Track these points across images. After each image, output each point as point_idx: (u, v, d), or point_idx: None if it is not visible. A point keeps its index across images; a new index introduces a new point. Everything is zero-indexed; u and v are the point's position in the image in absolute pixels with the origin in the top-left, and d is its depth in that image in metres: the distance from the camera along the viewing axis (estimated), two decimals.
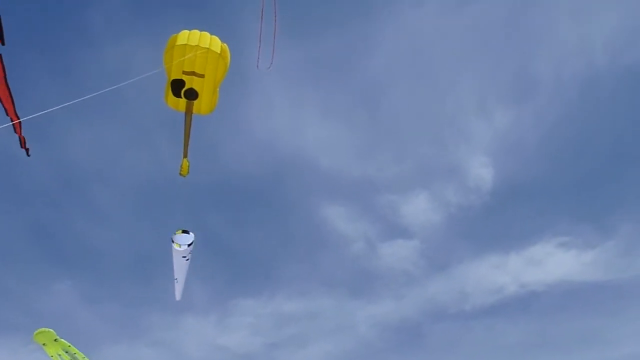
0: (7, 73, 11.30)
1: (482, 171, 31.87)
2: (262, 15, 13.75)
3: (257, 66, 14.49)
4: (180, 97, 14.13)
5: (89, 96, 10.97)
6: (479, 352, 30.63)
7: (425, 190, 32.08)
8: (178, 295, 15.12)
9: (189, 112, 14.30)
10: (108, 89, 11.62)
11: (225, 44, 13.83)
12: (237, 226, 29.92)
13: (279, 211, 32.40)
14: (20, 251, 29.69)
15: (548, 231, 31.73)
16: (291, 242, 32.58)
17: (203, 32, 13.87)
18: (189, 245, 14.14)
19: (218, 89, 14.25)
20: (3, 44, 11.08)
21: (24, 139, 12.14)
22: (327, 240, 32.49)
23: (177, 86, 13.95)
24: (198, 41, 13.75)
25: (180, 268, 14.45)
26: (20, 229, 30.10)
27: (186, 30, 13.84)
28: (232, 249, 31.60)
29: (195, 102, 14.20)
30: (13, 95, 11.51)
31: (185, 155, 14.13)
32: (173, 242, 14.03)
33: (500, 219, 32.68)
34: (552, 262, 31.43)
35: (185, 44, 13.64)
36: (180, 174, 14.26)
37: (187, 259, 14.24)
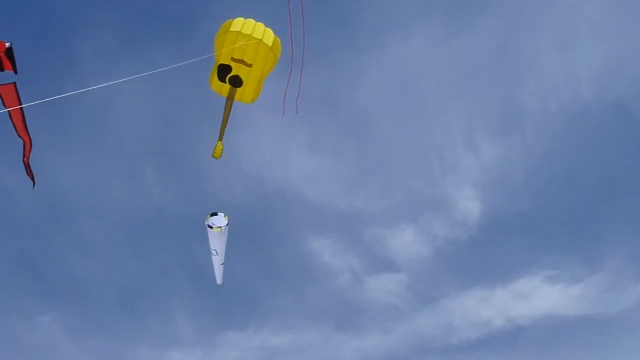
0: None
1: (469, 204, 31.89)
2: (292, 58, 13.80)
3: (283, 113, 14.59)
4: (225, 83, 14.13)
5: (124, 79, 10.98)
6: None
7: (413, 223, 32.04)
8: (220, 280, 14.96)
9: (230, 97, 14.29)
10: (144, 74, 11.61)
11: (278, 38, 13.87)
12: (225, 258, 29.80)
13: (266, 243, 32.25)
14: (3, 283, 29.44)
15: (535, 265, 31.73)
16: (277, 274, 32.43)
17: (258, 23, 13.89)
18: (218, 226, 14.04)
19: (263, 81, 14.25)
20: (15, 72, 11.11)
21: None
22: (313, 273, 32.38)
23: (223, 71, 13.97)
24: (252, 30, 13.76)
25: (220, 250, 14.34)
26: (3, 260, 29.87)
27: (241, 18, 13.83)
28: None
29: (239, 89, 14.19)
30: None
31: (220, 138, 14.07)
32: (211, 227, 13.89)
33: (487, 253, 32.64)
34: (539, 296, 31.39)
35: (239, 32, 13.64)
36: (213, 156, 14.18)
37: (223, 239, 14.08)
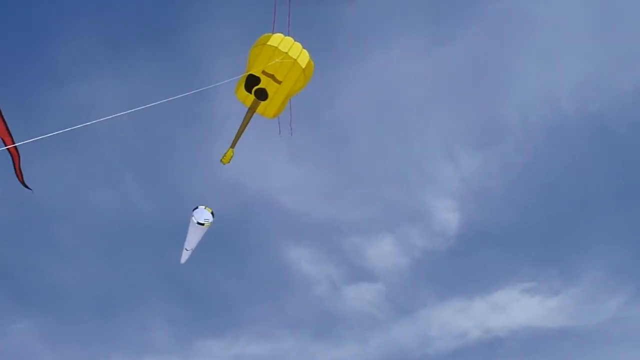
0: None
1: (448, 215, 31.92)
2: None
3: (279, 132, 14.59)
4: (250, 93, 14.13)
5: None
6: None
7: (391, 233, 32.05)
8: (183, 260, 14.82)
9: (252, 109, 14.29)
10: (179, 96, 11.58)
11: (312, 61, 13.86)
12: (201, 266, 29.66)
13: (244, 252, 32.16)
14: None
15: (513, 276, 31.81)
16: (255, 283, 32.32)
17: (296, 42, 13.89)
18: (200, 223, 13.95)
19: (289, 100, 14.26)
20: None
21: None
22: (291, 282, 32.30)
23: (251, 82, 13.96)
24: (288, 49, 13.77)
25: (194, 239, 14.24)
26: None
27: (281, 34, 13.83)
28: (196, 289, 31.33)
29: (263, 103, 14.18)
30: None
31: (232, 146, 14.06)
32: (202, 224, 13.83)
33: (465, 264, 32.68)
34: (517, 307, 31.45)
35: (276, 47, 13.64)
36: (221, 161, 14.17)
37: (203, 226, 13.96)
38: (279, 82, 13.82)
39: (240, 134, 14.15)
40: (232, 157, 14.02)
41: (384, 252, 31.86)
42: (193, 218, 13.59)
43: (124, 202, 30.64)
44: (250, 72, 13.75)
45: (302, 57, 13.70)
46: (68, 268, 30.53)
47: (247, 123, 14.27)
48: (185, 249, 14.25)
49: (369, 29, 29.65)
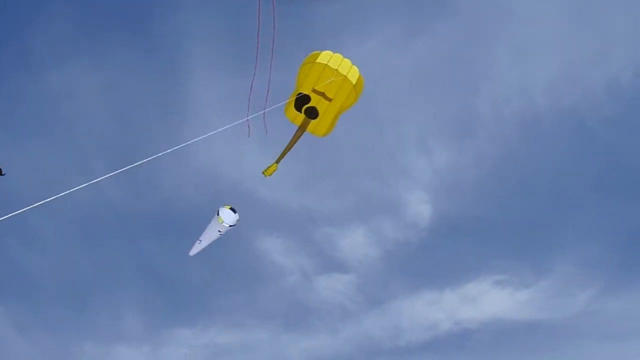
0: None
1: (420, 207, 32.00)
2: (253, 77, 13.69)
3: (249, 134, 14.49)
4: (300, 112, 14.07)
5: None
6: None
7: (363, 224, 32.11)
8: (193, 252, 14.81)
9: (302, 128, 14.24)
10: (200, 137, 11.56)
11: (362, 76, 13.77)
12: (173, 255, 29.57)
13: (216, 241, 32.15)
14: None
15: (484, 269, 31.97)
16: (227, 272, 32.29)
17: (345, 59, 13.82)
18: (231, 225, 14.00)
19: (339, 117, 14.18)
20: None
21: None
22: (263, 272, 32.30)
23: (301, 101, 13.90)
24: (338, 65, 13.70)
25: (209, 237, 14.22)
26: None
27: (330, 51, 13.76)
28: (168, 278, 31.27)
29: (313, 121, 14.12)
30: None
31: (277, 162, 14.05)
32: (218, 214, 13.81)
33: (436, 256, 32.81)
34: (487, 299, 31.63)
35: (325, 65, 13.58)
36: (263, 173, 14.15)
37: (220, 234, 14.01)
38: (330, 100, 13.77)
39: (288, 151, 14.13)
40: (274, 171, 14.06)
41: (356, 243, 31.92)
42: (222, 218, 13.56)
43: (96, 190, 30.51)
44: (300, 91, 13.70)
45: (352, 73, 13.69)
46: (40, 256, 30.36)
47: (296, 142, 14.25)
48: (199, 241, 14.25)
49: (346, 20, 29.63)
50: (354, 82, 13.66)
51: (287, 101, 13.96)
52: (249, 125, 14.05)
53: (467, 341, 31.07)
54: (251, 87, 13.70)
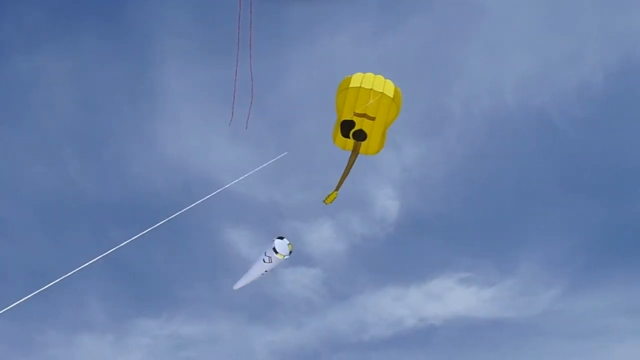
0: None
1: (388, 203, 32.05)
2: (237, 64, 13.65)
3: (230, 123, 14.52)
4: (349, 138, 14.16)
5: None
6: None
7: (331, 219, 32.11)
8: (237, 286, 14.89)
9: (355, 151, 14.37)
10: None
11: (398, 88, 13.82)
12: (140, 245, 29.45)
13: (183, 232, 31.99)
14: None
15: (449, 266, 32.12)
16: (193, 263, 32.20)
17: (377, 75, 13.91)
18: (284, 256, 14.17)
19: (387, 131, 14.24)
20: None
21: None
22: (229, 264, 32.22)
23: (346, 127, 13.99)
24: (372, 84, 13.79)
25: (256, 272, 14.34)
26: None
27: (360, 73, 13.86)
28: (134, 268, 31.10)
29: (363, 142, 14.23)
30: None
31: (337, 189, 14.18)
32: (275, 250, 13.95)
33: (403, 252, 32.90)
34: (452, 297, 31.78)
35: (359, 87, 13.68)
36: (324, 201, 14.33)
37: (267, 270, 14.17)
38: (373, 119, 13.84)
39: (345, 177, 14.28)
40: (335, 198, 14.24)
41: (323, 237, 31.92)
42: (273, 252, 13.65)
43: (63, 177, 30.28)
44: (343, 119, 13.81)
45: (388, 87, 13.78)
46: (3, 242, 30.12)
47: (351, 166, 14.41)
48: (246, 276, 14.31)
49: (317, 13, 29.58)
50: (391, 96, 13.79)
51: (332, 132, 14.15)
52: (232, 113, 14.12)
53: (431, 337, 31.22)
54: (235, 74, 13.69)
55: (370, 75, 13.95)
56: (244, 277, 14.59)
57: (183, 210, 9.69)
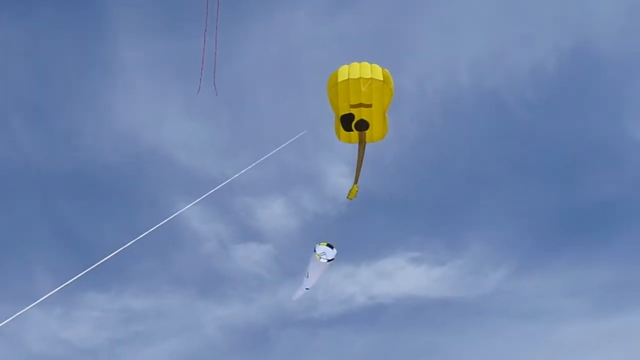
0: None
1: (340, 180, 32.18)
2: (204, 35, 13.64)
3: (198, 91, 14.54)
4: (352, 130, 14.29)
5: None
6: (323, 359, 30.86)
7: (283, 195, 32.24)
8: (296, 297, 15.15)
9: (362, 142, 14.55)
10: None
11: (386, 70, 13.94)
12: (89, 217, 29.25)
13: (133, 205, 31.92)
14: None
15: (400, 245, 32.46)
16: (143, 237, 32.12)
17: (362, 63, 14.01)
18: (329, 260, 14.43)
19: (387, 114, 14.36)
20: None
21: None
22: (179, 239, 32.24)
23: (347, 120, 14.11)
24: (359, 73, 13.92)
25: (315, 276, 14.58)
26: None
27: (345, 65, 13.99)
28: (83, 240, 30.97)
29: (367, 131, 14.39)
30: None
31: (355, 182, 14.41)
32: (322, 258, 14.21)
33: (354, 230, 33.07)
34: (402, 275, 32.13)
35: (348, 79, 13.80)
36: (348, 197, 14.58)
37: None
38: (370, 106, 13.95)
39: (360, 169, 14.47)
40: (357, 192, 14.46)
41: (274, 213, 32.05)
42: (320, 255, 13.79)
43: (11, 146, 29.96)
44: (340, 115, 13.93)
45: (375, 71, 13.95)
46: None
47: (363, 157, 14.57)
48: (306, 289, 14.45)
49: None
50: (382, 79, 13.90)
51: (334, 129, 14.33)
52: (200, 81, 14.29)
53: (380, 316, 31.52)
54: (204, 43, 13.79)
55: (355, 64, 14.06)
56: (302, 290, 14.76)
57: (182, 210, 9.67)
